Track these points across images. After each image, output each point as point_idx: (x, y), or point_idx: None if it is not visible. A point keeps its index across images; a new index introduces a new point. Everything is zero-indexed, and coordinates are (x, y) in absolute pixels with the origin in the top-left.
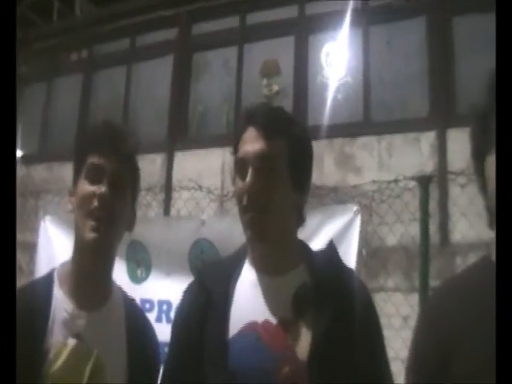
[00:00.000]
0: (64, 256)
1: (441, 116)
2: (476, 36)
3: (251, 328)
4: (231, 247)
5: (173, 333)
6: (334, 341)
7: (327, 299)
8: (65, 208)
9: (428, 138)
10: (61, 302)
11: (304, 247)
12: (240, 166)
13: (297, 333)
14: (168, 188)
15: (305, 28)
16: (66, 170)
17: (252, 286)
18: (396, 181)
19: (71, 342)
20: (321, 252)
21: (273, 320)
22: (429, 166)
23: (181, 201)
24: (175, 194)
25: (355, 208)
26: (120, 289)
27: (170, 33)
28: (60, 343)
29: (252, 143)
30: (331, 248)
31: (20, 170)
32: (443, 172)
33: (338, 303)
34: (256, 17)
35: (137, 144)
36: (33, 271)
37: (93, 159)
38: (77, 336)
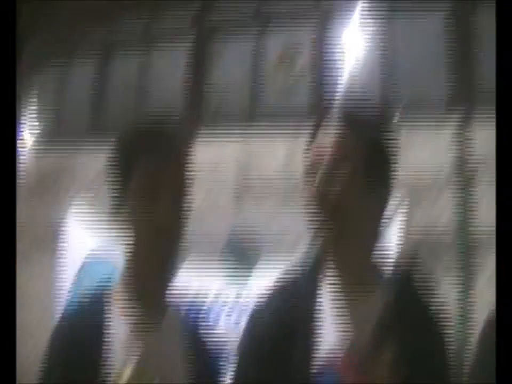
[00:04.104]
0: (87, 251)
1: (461, 107)
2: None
3: (332, 364)
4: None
5: (247, 359)
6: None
7: (406, 333)
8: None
9: (448, 131)
10: (117, 325)
11: (381, 265)
12: (313, 164)
13: (376, 370)
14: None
15: (323, 17)
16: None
17: (332, 317)
18: (434, 175)
19: (130, 366)
20: (402, 275)
21: (354, 354)
22: (448, 160)
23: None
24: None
25: (398, 198)
26: (174, 300)
27: (186, 20)
28: (119, 368)
29: (328, 139)
30: (410, 275)
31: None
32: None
33: (417, 336)
34: (273, 6)
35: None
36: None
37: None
38: (136, 359)
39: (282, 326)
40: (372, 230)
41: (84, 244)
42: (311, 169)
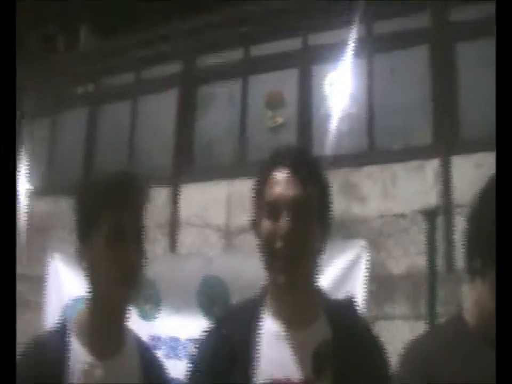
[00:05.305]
0: (73, 293)
1: (445, 143)
2: (479, 63)
3: None
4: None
5: (194, 380)
6: None
7: (346, 358)
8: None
9: (432, 166)
10: (79, 353)
11: (322, 295)
12: (272, 208)
13: None
14: (174, 223)
15: (309, 59)
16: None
17: (274, 339)
18: (402, 215)
19: None
20: (341, 304)
21: (295, 378)
22: (432, 193)
23: (187, 237)
24: (182, 230)
25: (362, 243)
26: (132, 331)
27: (175, 66)
28: None
29: (287, 186)
30: (351, 302)
31: (26, 205)
32: (448, 201)
33: (356, 362)
34: (260, 50)
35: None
36: (42, 307)
37: (115, 218)
38: None
39: (226, 349)
40: (315, 264)
41: (70, 282)
42: (272, 210)
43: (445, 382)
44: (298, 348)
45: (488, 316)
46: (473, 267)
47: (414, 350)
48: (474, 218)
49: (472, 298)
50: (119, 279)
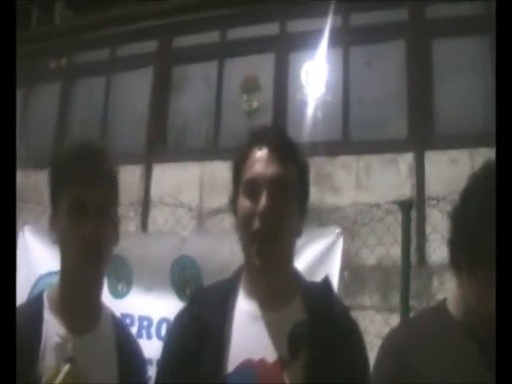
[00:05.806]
0: (44, 267)
1: (419, 137)
2: (454, 59)
3: (246, 366)
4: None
5: (165, 361)
6: (326, 381)
7: (322, 339)
8: (44, 217)
9: (406, 159)
10: (52, 326)
11: (298, 277)
12: (250, 186)
13: (293, 372)
14: (146, 202)
15: (286, 45)
16: (43, 179)
17: (249, 319)
18: (377, 205)
19: (64, 367)
20: (317, 286)
21: (269, 358)
22: (406, 187)
23: (159, 216)
24: (154, 209)
25: (337, 230)
26: (108, 309)
27: (150, 45)
28: (53, 368)
29: (266, 165)
30: (327, 284)
31: None
32: (420, 195)
33: (332, 343)
34: (237, 33)
35: (115, 165)
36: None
37: (75, 192)
38: (69, 360)
39: (197, 330)
40: (292, 245)
41: (40, 255)
42: (250, 188)
43: (424, 371)
44: (273, 328)
45: (473, 310)
46: (458, 263)
47: (393, 337)
48: (459, 216)
49: (457, 292)
50: (83, 253)
